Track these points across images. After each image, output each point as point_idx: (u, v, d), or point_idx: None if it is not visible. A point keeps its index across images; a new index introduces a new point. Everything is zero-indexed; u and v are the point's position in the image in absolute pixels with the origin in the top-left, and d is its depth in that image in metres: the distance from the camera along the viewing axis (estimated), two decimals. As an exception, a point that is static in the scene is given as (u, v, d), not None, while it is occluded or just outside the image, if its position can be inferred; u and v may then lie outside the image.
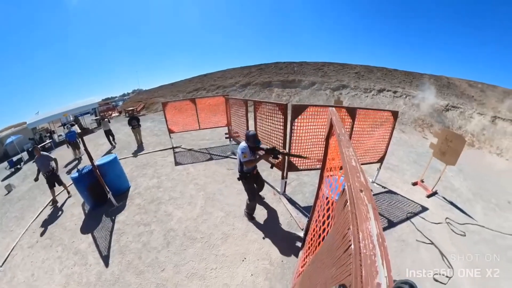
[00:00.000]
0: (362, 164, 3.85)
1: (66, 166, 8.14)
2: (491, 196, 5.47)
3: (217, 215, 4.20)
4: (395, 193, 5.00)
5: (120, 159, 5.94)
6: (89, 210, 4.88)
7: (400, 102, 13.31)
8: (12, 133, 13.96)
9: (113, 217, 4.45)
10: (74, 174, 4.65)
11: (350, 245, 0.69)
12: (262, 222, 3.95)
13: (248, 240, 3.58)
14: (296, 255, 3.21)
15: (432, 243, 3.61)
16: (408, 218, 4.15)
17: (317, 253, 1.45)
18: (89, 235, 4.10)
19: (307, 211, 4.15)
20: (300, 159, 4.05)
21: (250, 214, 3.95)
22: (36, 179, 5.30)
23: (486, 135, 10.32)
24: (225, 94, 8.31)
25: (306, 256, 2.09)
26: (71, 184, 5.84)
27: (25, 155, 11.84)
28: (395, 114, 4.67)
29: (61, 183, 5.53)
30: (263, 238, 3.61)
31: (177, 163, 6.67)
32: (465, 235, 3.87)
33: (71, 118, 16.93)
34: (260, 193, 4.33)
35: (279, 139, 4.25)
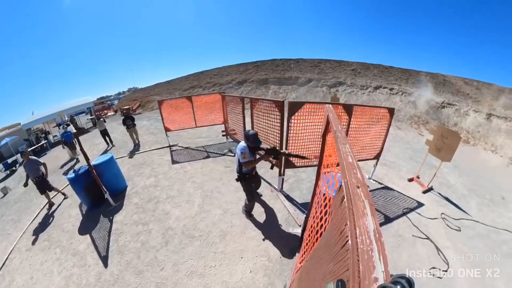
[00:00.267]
0: (358, 160, 3.87)
1: (62, 167, 8.04)
2: (485, 192, 5.55)
3: (215, 213, 4.20)
4: (391, 189, 5.05)
5: (116, 158, 5.90)
6: (86, 211, 4.84)
7: (396, 99, 13.39)
8: (7, 135, 13.67)
9: (111, 217, 4.42)
10: (71, 174, 4.59)
11: (348, 240, 0.70)
12: (260, 219, 3.96)
13: (246, 237, 3.60)
14: (294, 251, 3.23)
15: (428, 238, 3.67)
16: (404, 214, 4.20)
17: (315, 249, 1.46)
18: (87, 235, 4.07)
19: (304, 207, 4.17)
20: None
21: (248, 212, 3.96)
22: (25, 185, 5.10)
23: (481, 132, 10.43)
24: (222, 92, 8.26)
25: (304, 252, 2.11)
26: (66, 186, 5.78)
27: (20, 157, 11.69)
28: (391, 111, 4.71)
29: (51, 188, 5.28)
30: (261, 235, 3.62)
31: (174, 162, 6.64)
32: (460, 230, 3.93)
33: (66, 118, 16.70)
34: (258, 190, 4.34)
35: (276, 136, 4.24)
